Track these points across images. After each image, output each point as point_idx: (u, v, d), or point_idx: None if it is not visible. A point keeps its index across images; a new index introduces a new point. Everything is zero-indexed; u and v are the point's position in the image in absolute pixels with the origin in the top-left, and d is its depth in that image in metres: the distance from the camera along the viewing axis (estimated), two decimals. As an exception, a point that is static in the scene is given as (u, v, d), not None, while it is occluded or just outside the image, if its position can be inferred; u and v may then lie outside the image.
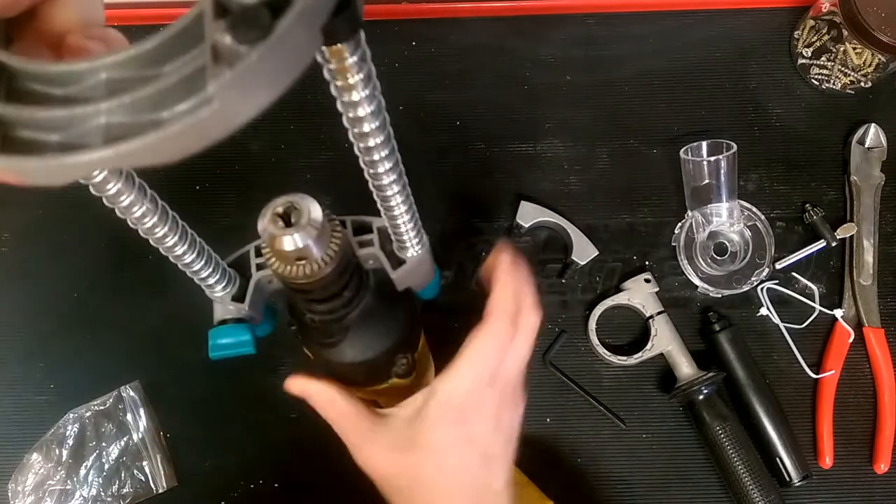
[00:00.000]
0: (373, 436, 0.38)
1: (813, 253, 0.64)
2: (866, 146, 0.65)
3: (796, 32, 0.68)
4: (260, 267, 0.41)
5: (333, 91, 0.28)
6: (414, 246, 0.39)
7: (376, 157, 0.31)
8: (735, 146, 0.61)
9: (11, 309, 0.64)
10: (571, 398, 0.62)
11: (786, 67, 0.69)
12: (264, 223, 0.33)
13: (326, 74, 0.27)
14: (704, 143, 0.62)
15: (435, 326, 0.63)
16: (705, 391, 0.58)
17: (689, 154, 0.63)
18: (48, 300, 0.64)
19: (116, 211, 0.33)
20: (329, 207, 0.34)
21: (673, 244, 0.64)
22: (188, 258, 0.36)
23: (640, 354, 0.61)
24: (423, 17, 0.70)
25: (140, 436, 0.60)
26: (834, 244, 0.63)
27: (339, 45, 0.25)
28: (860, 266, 0.63)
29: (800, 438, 0.60)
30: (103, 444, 0.60)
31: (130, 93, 0.20)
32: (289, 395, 0.43)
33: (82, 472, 0.60)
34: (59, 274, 0.64)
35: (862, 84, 0.66)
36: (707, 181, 0.62)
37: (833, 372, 0.61)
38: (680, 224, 0.64)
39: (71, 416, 0.60)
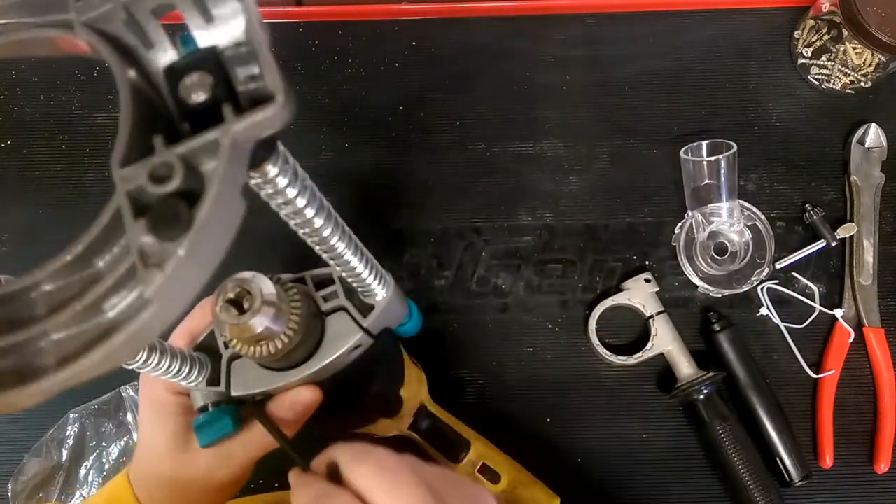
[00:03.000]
0: None
1: (813, 253, 0.64)
2: (866, 146, 0.65)
3: (796, 32, 0.68)
4: (227, 345, 0.39)
5: (265, 197, 0.26)
6: (379, 291, 0.37)
7: (324, 234, 0.30)
8: (735, 146, 0.61)
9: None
10: (571, 398, 0.62)
11: (786, 67, 0.69)
12: (216, 311, 0.31)
13: (253, 185, 0.25)
14: (704, 143, 0.62)
15: (436, 327, 0.63)
16: (705, 391, 0.58)
17: (689, 154, 0.63)
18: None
19: None
20: (284, 263, 0.32)
21: (673, 244, 0.64)
22: (152, 364, 0.34)
23: (640, 354, 0.61)
24: (423, 17, 0.70)
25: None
26: (834, 244, 0.63)
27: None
28: (860, 266, 0.63)
29: (800, 438, 0.60)
30: (103, 444, 0.60)
31: (71, 305, 0.19)
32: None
33: (82, 472, 0.59)
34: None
35: (862, 84, 0.66)
36: (707, 181, 0.62)
37: (833, 372, 0.61)
38: (680, 224, 0.64)
39: (71, 416, 0.60)
